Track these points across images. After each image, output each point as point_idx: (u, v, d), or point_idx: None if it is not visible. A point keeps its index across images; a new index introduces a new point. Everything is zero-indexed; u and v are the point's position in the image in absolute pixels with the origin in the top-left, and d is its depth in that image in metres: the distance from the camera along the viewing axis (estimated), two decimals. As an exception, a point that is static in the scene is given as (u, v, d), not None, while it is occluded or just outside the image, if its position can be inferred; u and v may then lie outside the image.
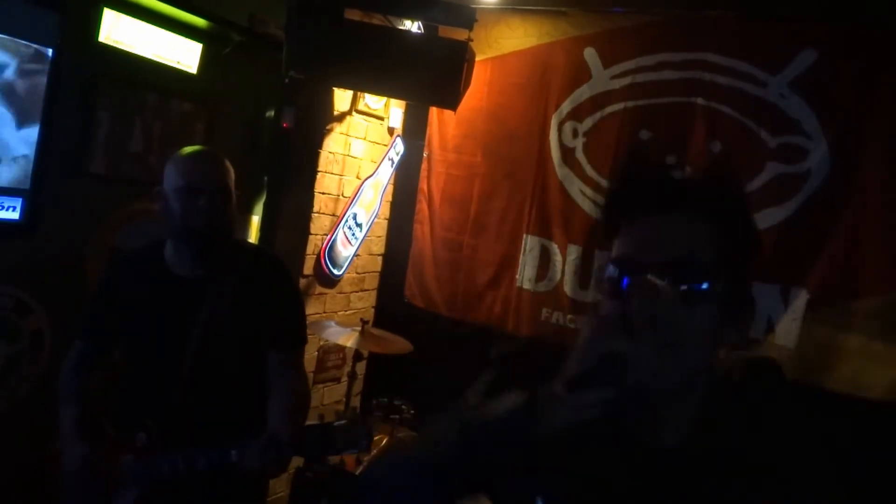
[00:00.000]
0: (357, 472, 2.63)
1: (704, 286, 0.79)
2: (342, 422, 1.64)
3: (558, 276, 3.24)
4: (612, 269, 0.83)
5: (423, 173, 3.65)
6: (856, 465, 0.87)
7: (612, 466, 0.86)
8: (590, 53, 3.17)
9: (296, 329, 1.94)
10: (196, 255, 1.80)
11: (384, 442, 2.79)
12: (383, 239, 3.89)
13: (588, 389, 0.76)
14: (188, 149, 1.85)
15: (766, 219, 2.75)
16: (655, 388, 0.77)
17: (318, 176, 3.30)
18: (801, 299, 2.69)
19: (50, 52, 2.39)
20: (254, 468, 1.59)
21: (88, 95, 2.60)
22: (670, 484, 0.83)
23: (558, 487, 0.87)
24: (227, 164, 1.83)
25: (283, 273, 1.96)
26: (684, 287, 0.78)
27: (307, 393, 1.93)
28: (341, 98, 3.34)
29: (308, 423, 1.76)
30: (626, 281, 0.81)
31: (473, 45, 2.92)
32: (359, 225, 3.56)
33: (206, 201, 1.73)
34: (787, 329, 2.70)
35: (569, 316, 3.21)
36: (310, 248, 3.32)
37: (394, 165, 3.72)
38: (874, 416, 2.50)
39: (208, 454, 1.65)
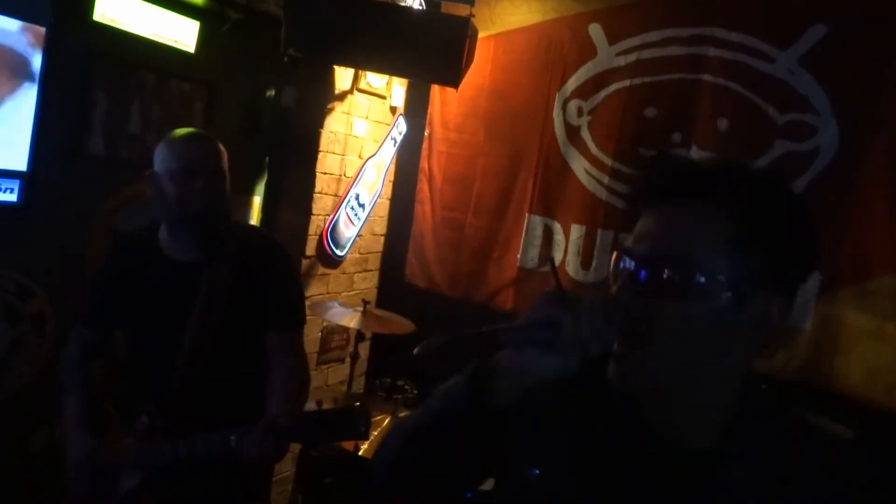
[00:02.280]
0: (360, 453, 2.63)
1: (673, 280, 0.76)
2: (340, 408, 1.63)
3: (560, 255, 3.21)
4: (619, 258, 0.83)
5: (424, 153, 3.62)
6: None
7: (628, 459, 0.83)
8: (595, 30, 3.11)
9: (294, 310, 1.93)
10: (194, 240, 1.78)
11: (386, 422, 2.79)
12: (386, 219, 3.86)
13: (521, 351, 0.78)
14: (181, 131, 1.82)
15: (773, 198, 2.71)
16: (622, 377, 0.80)
17: (320, 156, 3.27)
18: (812, 280, 2.65)
19: (44, 30, 2.34)
20: (252, 454, 1.58)
21: (85, 75, 2.57)
22: (690, 487, 0.79)
23: (556, 460, 0.86)
24: (221, 146, 1.80)
25: (280, 254, 1.94)
26: (651, 278, 0.77)
27: (306, 374, 1.93)
28: (342, 77, 3.29)
29: (307, 408, 1.75)
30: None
31: (476, 21, 2.86)
32: (361, 205, 3.53)
33: (202, 183, 1.71)
34: (800, 311, 2.66)
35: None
36: (312, 229, 3.30)
37: (396, 145, 3.68)
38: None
39: (208, 440, 1.64)
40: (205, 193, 1.71)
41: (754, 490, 0.76)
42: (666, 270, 0.76)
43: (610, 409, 0.85)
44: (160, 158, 1.75)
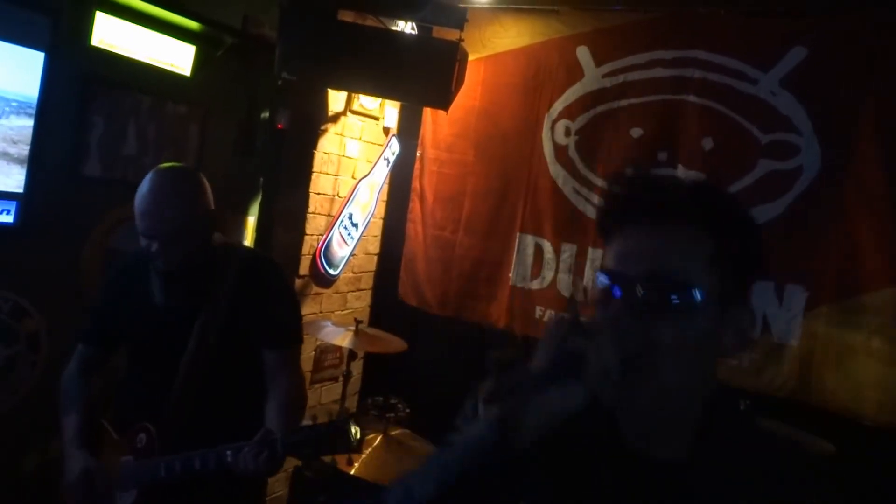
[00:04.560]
0: (353, 471, 2.64)
1: (676, 300, 0.77)
2: (333, 421, 1.65)
3: (552, 274, 3.25)
4: (599, 279, 0.83)
5: (416, 172, 3.67)
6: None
7: (604, 477, 0.84)
8: (582, 52, 3.18)
9: (290, 328, 1.95)
10: (161, 289, 1.83)
11: (378, 441, 2.80)
12: (379, 238, 3.90)
13: (548, 388, 0.75)
14: (161, 168, 1.79)
15: (758, 216, 2.74)
16: (622, 400, 0.77)
17: (313, 176, 3.31)
18: (798, 297, 2.69)
19: (42, 55, 2.40)
20: (248, 468, 1.60)
21: (82, 99, 2.61)
22: (662, 499, 0.80)
23: (545, 494, 0.85)
24: (192, 190, 1.78)
25: (276, 274, 1.98)
26: (652, 300, 0.77)
27: (303, 391, 1.95)
28: (336, 98, 3.35)
29: (302, 423, 1.77)
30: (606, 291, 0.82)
31: (467, 44, 2.93)
32: (355, 225, 3.58)
33: (158, 247, 1.74)
34: (787, 327, 2.70)
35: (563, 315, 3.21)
36: (305, 249, 3.34)
37: (389, 165, 3.73)
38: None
39: (204, 456, 1.66)
40: (161, 256, 1.75)
41: (721, 502, 0.78)
42: (665, 290, 0.77)
43: (588, 430, 0.85)
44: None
